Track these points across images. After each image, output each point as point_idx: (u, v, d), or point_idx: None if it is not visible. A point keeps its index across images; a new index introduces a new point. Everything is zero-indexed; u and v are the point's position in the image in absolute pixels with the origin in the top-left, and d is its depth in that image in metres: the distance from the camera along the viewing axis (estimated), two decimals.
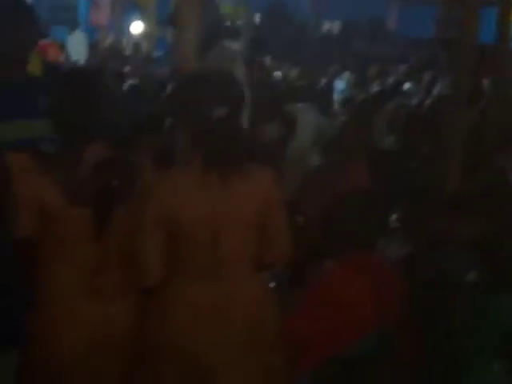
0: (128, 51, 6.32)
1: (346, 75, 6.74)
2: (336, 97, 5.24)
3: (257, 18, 7.43)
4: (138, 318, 1.52)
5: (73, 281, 1.48)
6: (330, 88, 5.54)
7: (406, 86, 6.22)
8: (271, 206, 1.54)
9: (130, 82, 4.10)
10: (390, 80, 6.46)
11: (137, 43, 6.35)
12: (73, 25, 7.12)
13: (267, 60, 5.48)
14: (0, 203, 1.18)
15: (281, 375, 1.58)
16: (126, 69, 4.89)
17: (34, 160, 1.45)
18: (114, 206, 1.46)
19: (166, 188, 1.49)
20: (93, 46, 6.41)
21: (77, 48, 6.23)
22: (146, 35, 6.20)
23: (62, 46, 5.96)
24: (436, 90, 5.14)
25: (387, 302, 1.72)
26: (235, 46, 6.67)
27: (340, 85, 5.85)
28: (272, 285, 1.88)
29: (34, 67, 2.36)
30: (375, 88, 5.96)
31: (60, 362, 1.47)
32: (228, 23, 7.69)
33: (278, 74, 5.66)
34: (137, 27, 6.73)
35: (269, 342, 1.54)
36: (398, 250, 2.20)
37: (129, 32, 6.99)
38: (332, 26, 8.36)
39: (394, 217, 2.55)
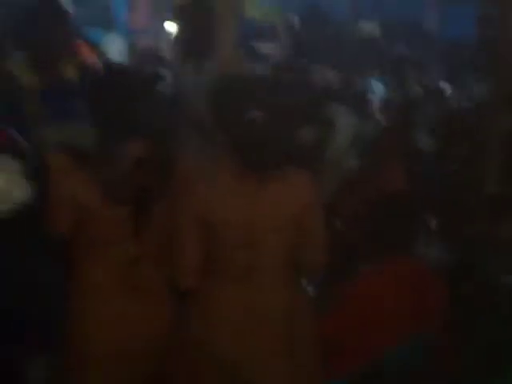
0: (165, 52, 6.48)
1: (385, 77, 6.68)
2: (374, 99, 5.00)
3: (293, 19, 7.47)
4: (174, 318, 1.52)
5: (109, 279, 1.48)
6: (367, 90, 5.31)
7: (446, 88, 6.08)
8: (308, 210, 1.52)
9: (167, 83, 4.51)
10: (429, 82, 6.21)
11: (173, 47, 6.17)
12: (108, 26, 6.71)
13: (305, 62, 5.50)
14: (40, 202, 1.20)
15: (317, 380, 1.56)
16: (163, 70, 5.12)
17: (72, 159, 1.45)
18: (152, 204, 1.46)
19: (204, 191, 1.48)
20: (131, 48, 6.69)
21: (113, 49, 6.55)
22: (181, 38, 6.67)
23: (96, 47, 6.13)
24: (476, 92, 5.01)
25: (426, 307, 1.69)
26: (271, 48, 6.73)
27: (378, 87, 5.60)
28: (309, 289, 1.86)
29: (69, 69, 2.45)
30: (414, 90, 5.90)
31: (97, 361, 1.45)
32: (264, 25, 7.79)
33: (315, 76, 5.52)
34: (171, 28, 6.14)
35: (305, 347, 1.52)
36: (438, 253, 2.18)
37: (166, 33, 7.05)
38: (370, 28, 8.24)
39: (433, 220, 2.55)
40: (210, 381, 1.48)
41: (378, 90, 5.43)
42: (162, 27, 7.26)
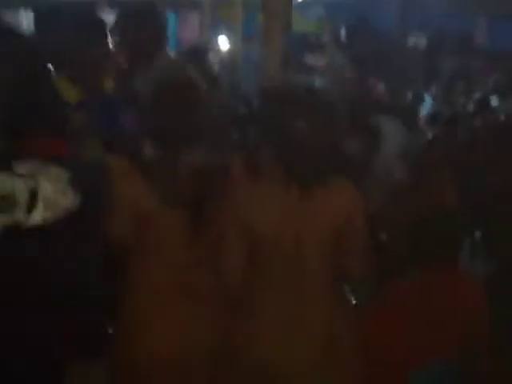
0: (215, 66, 6.69)
1: (433, 90, 6.71)
2: (423, 112, 5.19)
3: (341, 32, 7.62)
4: (223, 322, 1.53)
5: (165, 282, 1.49)
6: (416, 103, 5.49)
7: (494, 101, 6.13)
8: (352, 221, 1.52)
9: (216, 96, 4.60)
10: (478, 95, 6.31)
11: (223, 59, 6.62)
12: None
13: (355, 74, 5.61)
14: (99, 205, 1.22)
15: None
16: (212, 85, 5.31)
17: (132, 164, 1.47)
18: (207, 211, 1.48)
19: (249, 200, 1.50)
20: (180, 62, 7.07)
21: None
22: (232, 51, 6.43)
23: None
24: None
25: (469, 321, 1.67)
26: (319, 60, 6.85)
27: (427, 100, 5.81)
28: (352, 298, 1.90)
29: (108, 81, 2.48)
30: (463, 103, 5.89)
31: (152, 362, 1.46)
32: (313, 38, 7.95)
33: (364, 87, 5.74)
34: (224, 43, 6.96)
35: (345, 358, 1.52)
36: (483, 267, 2.19)
37: (216, 47, 7.10)
38: (418, 40, 8.28)
39: (478, 233, 2.54)
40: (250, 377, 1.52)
41: (426, 102, 5.63)
42: (212, 41, 7.69)
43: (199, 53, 4.62)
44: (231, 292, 1.51)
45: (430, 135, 4.22)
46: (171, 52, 6.51)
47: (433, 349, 1.61)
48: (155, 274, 1.49)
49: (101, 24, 2.50)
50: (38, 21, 4.34)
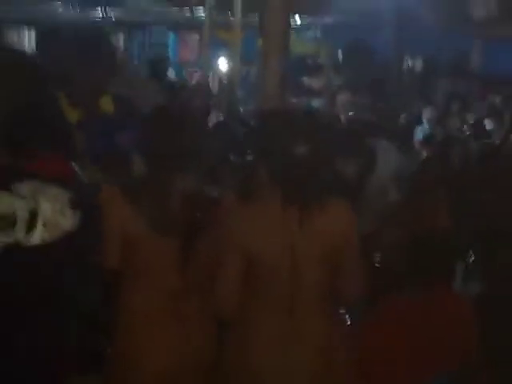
0: (214, 87, 6.52)
1: (428, 112, 6.75)
2: (417, 133, 5.26)
3: (339, 54, 7.85)
4: (216, 344, 1.57)
5: (155, 306, 1.52)
6: (412, 125, 5.59)
7: (488, 123, 6.13)
8: (347, 241, 1.55)
9: (214, 117, 4.42)
10: (473, 117, 6.37)
11: (222, 80, 6.72)
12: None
13: (348, 95, 5.73)
14: (92, 235, 1.21)
15: None
16: (212, 104, 5.08)
17: (121, 192, 1.49)
18: (197, 237, 1.50)
19: (246, 222, 1.53)
20: (182, 82, 6.83)
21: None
22: (231, 72, 6.49)
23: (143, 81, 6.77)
24: None
25: (461, 340, 1.71)
26: (318, 82, 7.01)
27: (422, 122, 5.83)
28: (347, 318, 1.91)
29: (106, 103, 2.55)
30: (457, 125, 5.89)
31: (142, 381, 1.50)
32: (309, 61, 8.16)
33: (357, 109, 5.86)
34: (223, 64, 7.05)
35: (342, 373, 1.55)
36: (475, 286, 2.25)
37: (215, 68, 7.22)
38: (414, 63, 8.51)
39: (471, 253, 2.58)
40: None
41: (421, 124, 5.66)
42: (211, 62, 7.43)
43: (161, 65, 4.67)
44: (226, 314, 1.52)
45: (424, 157, 4.28)
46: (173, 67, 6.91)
47: (426, 364, 1.64)
48: (145, 298, 1.53)
49: (102, 46, 2.59)
50: (40, 40, 4.42)
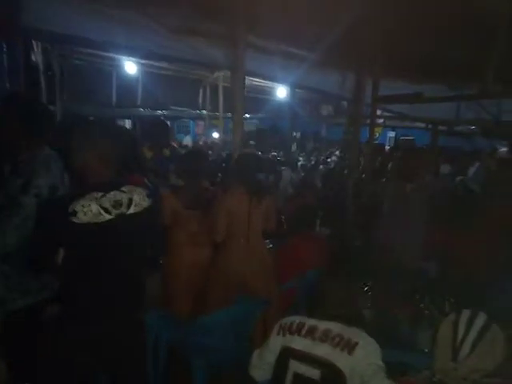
0: (211, 145, 8.52)
1: (303, 155, 9.07)
2: (299, 164, 7.06)
3: (266, 132, 11.12)
4: (212, 255, 2.10)
5: (186, 240, 2.19)
6: (296, 160, 7.55)
7: (331, 159, 7.88)
8: (271, 210, 2.21)
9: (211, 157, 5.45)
10: (322, 156, 8.37)
11: (214, 141, 8.79)
12: (187, 132, 10.62)
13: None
14: (156, 210, 1.53)
15: (274, 283, 2.16)
16: (210, 152, 6.52)
17: (172, 191, 2.11)
18: (209, 209, 2.08)
19: (227, 201, 2.07)
20: (196, 143, 9.22)
21: (188, 142, 9.07)
22: (219, 139, 8.64)
23: (180, 142, 8.71)
24: None
25: (320, 257, 2.12)
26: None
27: (300, 158, 7.97)
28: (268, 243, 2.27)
29: (166, 151, 3.71)
30: (315, 160, 7.38)
31: (180, 275, 2.19)
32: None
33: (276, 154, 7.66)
34: (215, 135, 9.48)
35: (268, 268, 2.20)
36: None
37: (212, 137, 9.63)
38: (297, 134, 12.57)
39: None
40: (227, 289, 2.07)
41: (300, 160, 7.62)
42: (209, 134, 10.13)
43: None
44: (218, 240, 2.09)
45: (302, 174, 5.38)
46: (190, 137, 10.01)
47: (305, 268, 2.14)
48: (183, 237, 2.14)
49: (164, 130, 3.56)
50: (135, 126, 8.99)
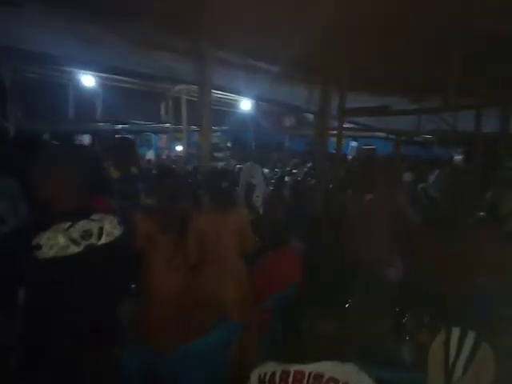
0: (174, 159, 8.26)
1: (277, 166, 8.76)
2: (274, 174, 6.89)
3: (230, 144, 11.49)
4: (188, 278, 2.04)
5: (160, 267, 2.07)
6: (273, 170, 7.67)
7: (296, 171, 7.80)
8: (244, 224, 2.13)
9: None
10: (289, 168, 8.08)
11: (179, 156, 8.61)
12: (149, 146, 10.47)
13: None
14: (129, 237, 1.49)
15: (250, 300, 2.10)
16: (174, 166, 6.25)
17: (146, 212, 1.95)
18: (184, 232, 2.07)
19: (197, 221, 2.04)
20: (159, 157, 9.04)
21: (151, 157, 8.91)
22: (183, 152, 8.41)
23: (143, 157, 8.36)
24: None
25: (296, 272, 2.12)
26: (223, 155, 9.55)
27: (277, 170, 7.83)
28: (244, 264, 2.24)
29: (133, 169, 3.29)
30: (283, 172, 7.46)
31: (156, 304, 2.00)
32: (218, 145, 10.67)
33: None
34: (179, 148, 9.30)
35: (244, 286, 2.16)
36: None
37: (175, 150, 9.46)
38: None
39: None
40: (202, 315, 2.06)
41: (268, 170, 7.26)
42: (173, 147, 9.90)
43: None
44: (194, 263, 2.04)
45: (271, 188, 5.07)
46: (153, 151, 9.38)
47: (283, 283, 2.16)
48: (157, 263, 2.03)
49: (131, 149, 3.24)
50: (95, 141, 8.78)
